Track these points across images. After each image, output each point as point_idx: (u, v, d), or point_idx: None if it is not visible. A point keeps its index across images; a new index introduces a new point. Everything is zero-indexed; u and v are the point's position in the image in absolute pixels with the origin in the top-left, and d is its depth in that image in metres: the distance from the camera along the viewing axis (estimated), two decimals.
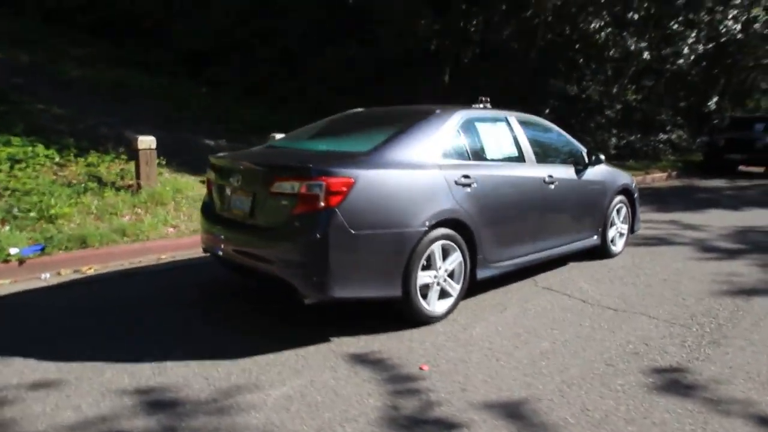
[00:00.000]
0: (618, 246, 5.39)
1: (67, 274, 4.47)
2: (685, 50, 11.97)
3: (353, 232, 2.98)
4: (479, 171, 3.71)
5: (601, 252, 5.20)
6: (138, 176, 5.99)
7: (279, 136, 6.92)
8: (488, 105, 4.43)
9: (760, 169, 13.99)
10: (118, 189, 5.95)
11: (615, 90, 12.56)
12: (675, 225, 7.11)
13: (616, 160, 12.80)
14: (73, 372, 2.77)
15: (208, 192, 3.89)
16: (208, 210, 3.84)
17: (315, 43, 12.93)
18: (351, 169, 3.04)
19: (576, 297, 4.10)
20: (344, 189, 2.95)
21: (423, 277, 3.35)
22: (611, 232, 5.23)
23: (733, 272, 4.83)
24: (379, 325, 3.41)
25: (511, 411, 2.49)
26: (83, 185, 5.76)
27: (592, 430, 2.34)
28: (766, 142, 13.63)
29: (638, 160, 14.25)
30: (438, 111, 3.82)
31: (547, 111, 11.91)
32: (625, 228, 5.47)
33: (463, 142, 3.77)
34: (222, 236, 3.55)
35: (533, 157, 4.28)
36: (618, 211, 5.29)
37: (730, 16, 11.45)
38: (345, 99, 12.23)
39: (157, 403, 2.50)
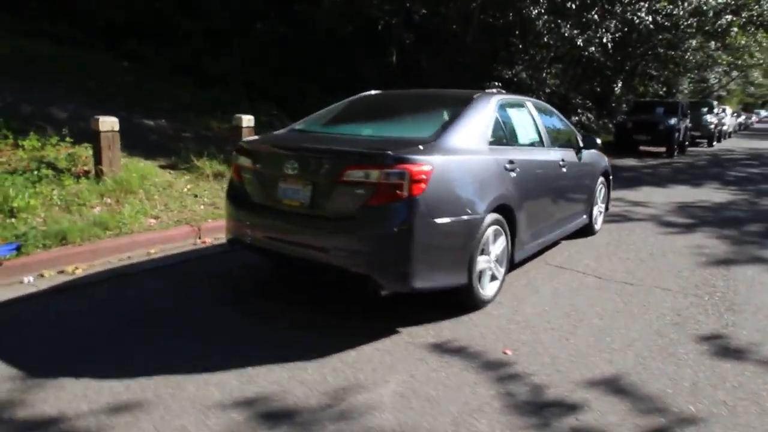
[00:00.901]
0: (598, 224, 5.80)
1: (52, 277, 3.92)
2: (604, 39, 12.96)
3: (433, 221, 2.94)
4: (518, 155, 3.80)
5: (585, 230, 5.55)
6: (99, 161, 5.35)
7: (247, 117, 6.54)
8: (502, 90, 4.51)
9: (662, 149, 15.64)
10: (77, 177, 5.27)
11: (544, 75, 13.33)
12: (623, 202, 7.77)
13: None
14: (148, 389, 2.47)
15: (239, 179, 3.58)
16: (239, 198, 3.54)
17: (245, 21, 12.20)
18: (428, 156, 2.97)
19: (590, 274, 4.37)
20: (425, 177, 2.88)
21: (481, 263, 3.39)
22: (595, 212, 5.62)
23: (701, 245, 5.42)
24: (433, 312, 3.39)
25: (613, 387, 2.64)
26: (35, 173, 5.03)
27: (691, 398, 2.55)
28: (667, 124, 15.23)
29: None
30: (477, 95, 3.83)
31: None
32: (602, 207, 5.89)
33: (502, 127, 3.83)
34: (265, 226, 3.32)
35: (549, 141, 4.45)
36: (600, 192, 5.69)
37: (644, 7, 12.56)
38: (287, 80, 11.75)
39: (270, 415, 2.31)
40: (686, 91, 33.26)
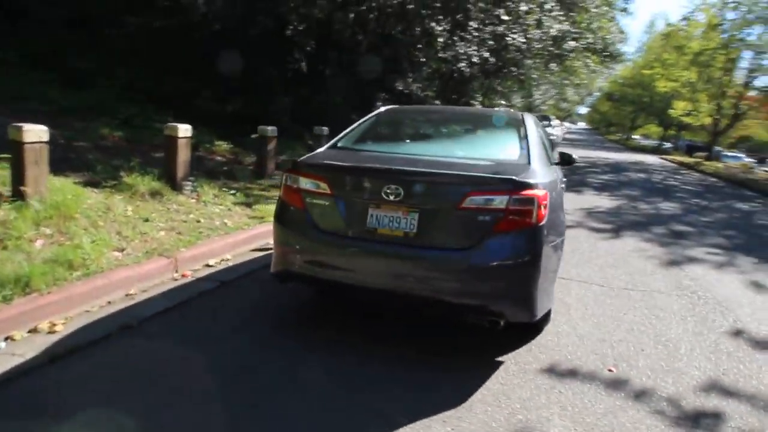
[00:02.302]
0: None
1: (25, 338, 2.99)
2: (474, 58, 14.14)
3: (550, 247, 2.93)
4: (558, 174, 3.97)
5: None
6: (22, 181, 4.23)
7: (183, 127, 5.79)
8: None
9: None
10: None
11: (435, 88, 14.08)
12: None
13: None
14: None
15: (299, 205, 3.12)
16: (300, 227, 3.10)
17: (114, 10, 10.69)
18: (541, 180, 2.96)
19: (592, 283, 4.75)
20: (546, 203, 2.87)
21: None
22: None
23: (640, 248, 6.26)
24: (504, 337, 3.36)
25: (719, 389, 2.92)
26: None
27: None
28: None
29: None
30: (519, 114, 3.92)
31: (379, 104, 12.56)
32: None
33: (546, 145, 3.97)
34: (348, 259, 2.97)
35: (553, 158, 4.73)
36: None
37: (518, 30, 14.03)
38: (173, 81, 10.56)
39: None
40: (519, 105, 37.80)
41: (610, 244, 6.41)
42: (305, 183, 3.11)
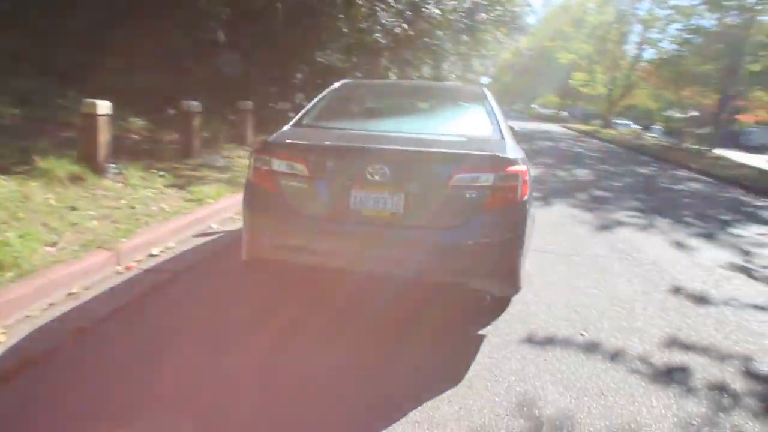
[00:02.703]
0: None
1: None
2: (396, 29, 14.08)
3: (531, 221, 3.00)
4: None
5: None
6: None
7: (104, 104, 5.27)
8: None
9: None
10: None
11: (355, 60, 13.79)
12: None
13: None
14: None
15: (272, 187, 2.93)
16: (277, 211, 2.92)
17: None
18: (520, 156, 3.00)
19: (543, 250, 4.95)
20: (527, 178, 2.92)
21: None
22: None
23: (571, 215, 6.70)
24: (476, 312, 3.43)
25: (680, 345, 3.21)
26: None
27: (719, 325, 3.31)
28: None
29: None
30: (479, 88, 3.94)
31: (298, 76, 12.19)
32: None
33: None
34: (330, 242, 2.86)
35: None
36: None
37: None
38: (65, 51, 9.46)
39: None
40: (428, 76, 38.35)
41: (543, 211, 6.74)
42: (280, 165, 2.93)
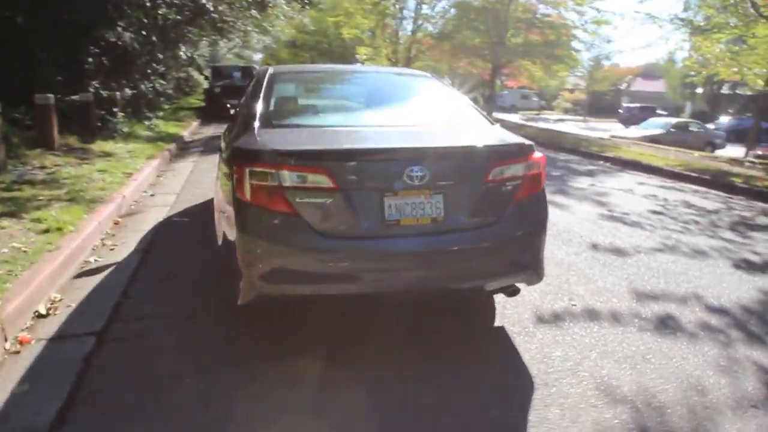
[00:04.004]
0: None
1: None
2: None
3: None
4: None
5: None
6: None
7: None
8: None
9: None
10: None
11: (153, 39, 11.99)
12: None
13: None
14: None
15: (287, 208, 2.36)
16: (296, 235, 2.38)
17: None
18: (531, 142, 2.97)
19: None
20: (545, 164, 2.92)
21: None
22: None
23: None
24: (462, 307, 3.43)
25: (645, 295, 3.65)
26: None
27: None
28: None
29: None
30: (430, 75, 3.78)
31: (90, 60, 10.28)
32: None
33: None
34: (374, 262, 2.47)
35: None
36: None
37: None
38: None
39: None
40: (206, 55, 35.98)
41: None
42: (291, 177, 2.38)
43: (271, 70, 3.46)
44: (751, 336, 3.15)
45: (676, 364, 2.78)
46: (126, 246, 4.33)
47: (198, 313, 3.15)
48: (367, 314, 3.13)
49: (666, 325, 3.24)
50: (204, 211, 5.57)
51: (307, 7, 21.64)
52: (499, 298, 3.36)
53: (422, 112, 3.39)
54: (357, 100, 3.48)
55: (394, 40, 28.89)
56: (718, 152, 17.61)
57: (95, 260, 4.01)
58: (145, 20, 11.79)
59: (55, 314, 3.11)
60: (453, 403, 2.35)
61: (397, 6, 26.76)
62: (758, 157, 15.10)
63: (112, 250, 4.25)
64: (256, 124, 2.80)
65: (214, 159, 8.68)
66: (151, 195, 6.15)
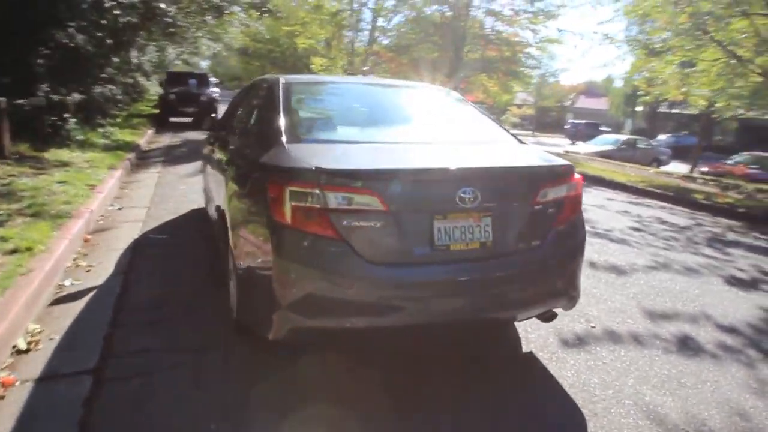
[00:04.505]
0: None
1: None
2: None
3: None
4: None
5: None
6: None
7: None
8: None
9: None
10: None
11: (108, 41, 11.31)
12: None
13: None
14: None
15: (328, 231, 2.14)
16: (341, 262, 2.17)
17: None
18: None
19: None
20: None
21: None
22: None
23: None
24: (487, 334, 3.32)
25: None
26: None
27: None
28: (208, 95, 16.04)
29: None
30: (432, 86, 3.67)
31: (39, 61, 9.60)
32: None
33: None
34: (425, 291, 2.30)
35: None
36: None
37: None
38: None
39: None
40: (154, 60, 34.78)
41: None
42: (336, 199, 2.17)
43: (282, 80, 3.22)
44: None
45: (711, 388, 2.75)
46: (103, 267, 3.95)
47: (206, 346, 2.86)
48: (390, 347, 2.93)
49: (687, 345, 3.22)
50: (182, 226, 5.21)
51: (265, 15, 21.19)
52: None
53: (451, 128, 3.25)
54: (379, 114, 3.30)
55: (350, 51, 28.85)
56: (664, 168, 18.51)
57: (71, 283, 3.62)
58: (102, 21, 11.15)
59: (37, 349, 2.75)
60: None
61: (353, 18, 26.77)
62: (704, 173, 15.95)
63: (88, 271, 3.85)
64: (283, 138, 2.56)
65: (179, 170, 8.28)
66: (119, 209, 5.70)
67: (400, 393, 2.51)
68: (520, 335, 3.19)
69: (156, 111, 17.54)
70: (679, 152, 23.64)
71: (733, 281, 4.60)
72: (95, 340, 2.87)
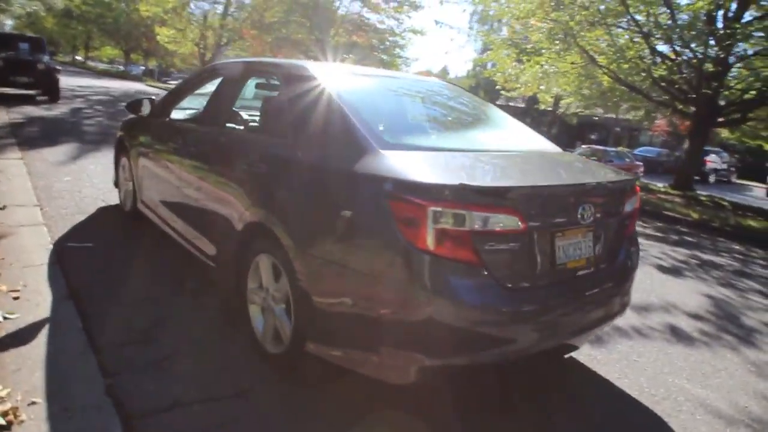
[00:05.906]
0: None
1: None
2: None
3: None
4: None
5: None
6: None
7: None
8: None
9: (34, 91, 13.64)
10: None
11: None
12: None
13: None
14: None
15: (469, 255, 1.85)
16: (479, 291, 1.90)
17: None
18: None
19: None
20: None
21: None
22: None
23: None
24: None
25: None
26: None
27: None
28: (47, 63, 13.55)
29: None
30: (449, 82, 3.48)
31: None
32: None
33: None
34: (550, 316, 2.14)
35: None
36: None
37: None
38: None
39: None
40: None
41: None
42: (481, 220, 1.89)
43: (316, 68, 2.72)
44: None
45: (741, 377, 3.05)
46: (35, 291, 3.05)
47: (248, 387, 2.36)
48: None
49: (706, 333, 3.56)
50: (101, 230, 4.31)
51: None
52: None
53: (510, 133, 3.10)
54: (431, 113, 2.99)
55: (203, 23, 26.64)
56: None
57: (3, 317, 2.73)
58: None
59: (21, 422, 2.01)
60: None
61: None
62: None
63: (16, 299, 2.95)
64: (372, 144, 2.16)
65: (46, 156, 6.80)
66: (1, 208, 4.51)
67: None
68: None
69: None
70: None
71: None
72: (97, 397, 2.18)
